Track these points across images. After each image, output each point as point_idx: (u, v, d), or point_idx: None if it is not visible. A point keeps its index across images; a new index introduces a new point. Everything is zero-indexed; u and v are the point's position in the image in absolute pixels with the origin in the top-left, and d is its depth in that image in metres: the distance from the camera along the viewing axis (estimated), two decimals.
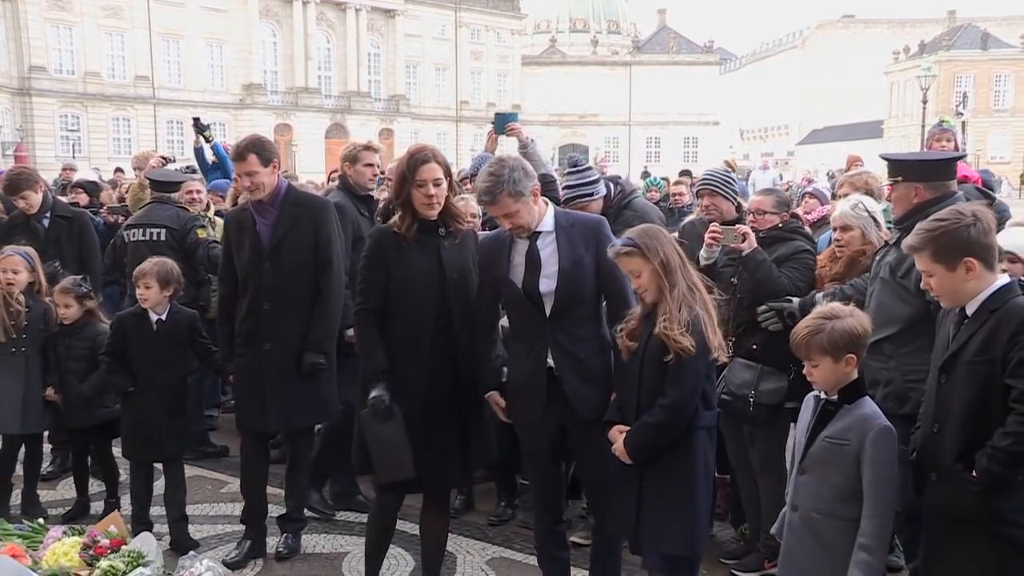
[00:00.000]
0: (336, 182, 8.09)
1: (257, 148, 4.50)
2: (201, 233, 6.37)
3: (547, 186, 5.32)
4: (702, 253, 4.54)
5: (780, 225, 4.57)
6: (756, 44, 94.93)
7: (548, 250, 3.72)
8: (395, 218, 3.94)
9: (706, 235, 4.54)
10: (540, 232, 3.73)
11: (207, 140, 9.35)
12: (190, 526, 4.90)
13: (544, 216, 3.75)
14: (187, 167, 9.09)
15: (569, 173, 5.37)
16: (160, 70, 53.64)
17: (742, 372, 4.36)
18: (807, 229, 4.97)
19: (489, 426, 4.07)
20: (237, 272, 4.63)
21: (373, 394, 3.77)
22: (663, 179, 12.49)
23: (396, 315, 3.89)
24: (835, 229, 4.52)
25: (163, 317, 4.83)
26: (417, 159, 3.86)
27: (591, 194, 5.28)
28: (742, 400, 4.31)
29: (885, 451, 2.97)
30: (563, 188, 5.33)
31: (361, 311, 3.93)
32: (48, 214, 6.08)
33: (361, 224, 5.23)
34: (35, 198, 6.02)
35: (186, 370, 5.03)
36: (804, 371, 3.14)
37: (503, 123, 6.15)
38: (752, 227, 4.56)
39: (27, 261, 5.17)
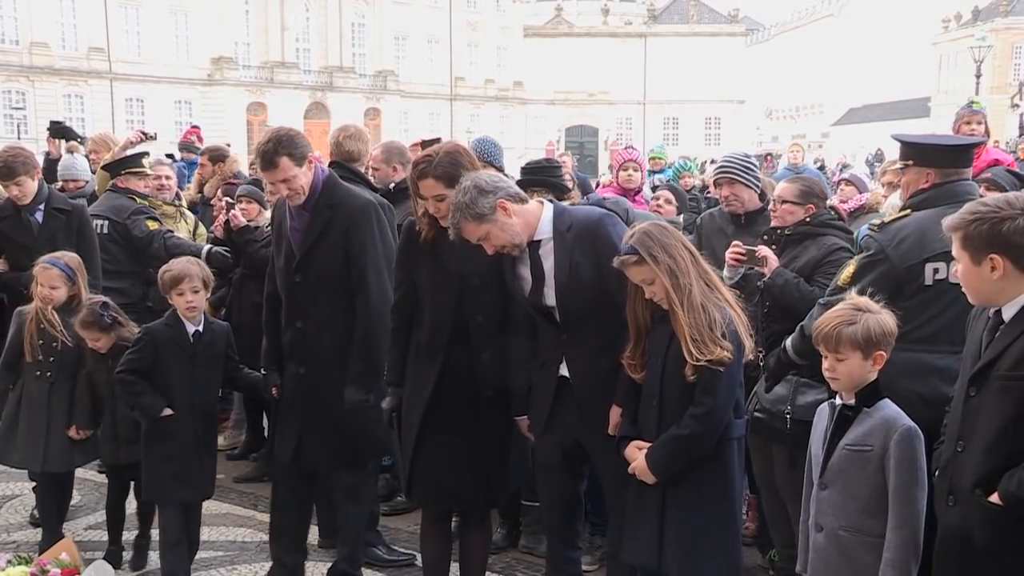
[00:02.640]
0: None
1: (288, 148, 4.16)
2: (152, 225, 6.25)
3: (552, 171, 5.35)
4: (725, 273, 4.56)
5: (808, 220, 4.53)
6: (787, 13, 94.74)
7: (549, 260, 3.75)
8: (419, 212, 3.99)
9: (728, 255, 4.56)
10: (540, 240, 3.75)
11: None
12: (150, 552, 4.87)
13: (542, 221, 3.76)
14: (167, 155, 9.12)
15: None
16: (117, 41, 53.46)
17: (776, 386, 4.32)
18: (842, 221, 4.92)
19: (512, 449, 4.10)
20: (276, 276, 4.48)
21: (381, 404, 4.14)
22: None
23: (420, 320, 4.03)
24: None
25: (200, 329, 4.58)
26: (415, 172, 3.91)
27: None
28: (777, 417, 4.26)
29: (911, 454, 3.00)
30: None
31: (391, 310, 4.14)
32: (42, 206, 5.71)
33: None
34: (31, 186, 5.64)
35: (218, 392, 4.82)
36: (825, 366, 3.15)
37: None
38: (775, 220, 4.57)
39: (67, 274, 4.92)
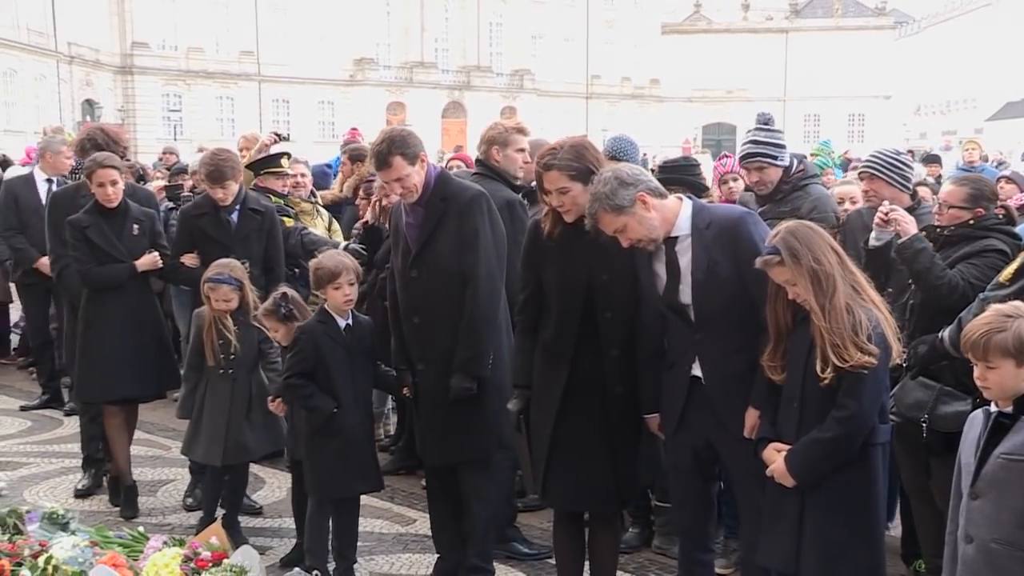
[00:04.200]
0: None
1: (400, 147, 4.25)
2: (288, 222, 6.42)
3: (689, 169, 5.29)
4: (872, 235, 4.45)
5: (971, 222, 4.29)
6: (939, 4, 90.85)
7: (686, 257, 3.69)
8: (544, 210, 4.01)
9: (877, 216, 4.43)
10: (677, 237, 3.70)
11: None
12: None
13: (680, 217, 3.70)
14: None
15: (758, 129, 5.31)
16: (265, 44, 55.46)
17: (916, 391, 4.17)
18: (1010, 225, 4.52)
19: (640, 449, 4.06)
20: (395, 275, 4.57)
21: (508, 406, 4.12)
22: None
23: (545, 320, 4.03)
24: None
25: (350, 322, 4.66)
26: (540, 165, 3.93)
27: (775, 157, 5.21)
28: (913, 424, 4.11)
29: None
30: (746, 143, 5.32)
31: (517, 312, 4.18)
32: (239, 206, 5.83)
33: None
34: (233, 188, 5.76)
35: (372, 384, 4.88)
36: (976, 375, 3.02)
37: None
38: (938, 222, 4.39)
39: (236, 287, 5.15)
